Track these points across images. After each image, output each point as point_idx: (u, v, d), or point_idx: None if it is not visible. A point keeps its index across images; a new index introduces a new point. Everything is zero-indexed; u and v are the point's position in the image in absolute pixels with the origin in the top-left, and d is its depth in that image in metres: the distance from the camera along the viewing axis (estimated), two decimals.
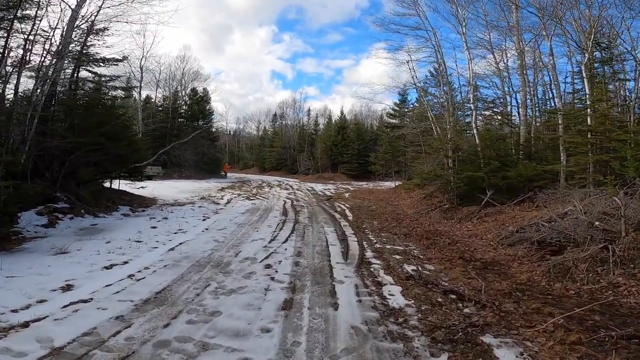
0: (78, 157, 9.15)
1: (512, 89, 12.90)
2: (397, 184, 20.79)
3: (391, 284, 4.55)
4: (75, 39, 9.68)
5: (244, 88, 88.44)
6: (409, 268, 5.29)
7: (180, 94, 31.78)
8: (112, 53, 10.92)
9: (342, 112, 40.49)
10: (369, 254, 6.03)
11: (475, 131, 10.85)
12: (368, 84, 37.48)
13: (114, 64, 11.37)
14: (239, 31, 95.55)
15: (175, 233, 7.11)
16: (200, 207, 11.04)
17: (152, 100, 30.90)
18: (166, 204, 11.65)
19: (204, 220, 8.67)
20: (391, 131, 24.16)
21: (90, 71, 11.00)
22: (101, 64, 10.85)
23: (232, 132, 60.01)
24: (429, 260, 5.89)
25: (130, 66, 29.08)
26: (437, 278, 4.91)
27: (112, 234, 6.82)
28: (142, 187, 12.46)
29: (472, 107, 11.27)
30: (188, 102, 31.98)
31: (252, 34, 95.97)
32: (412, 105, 25.09)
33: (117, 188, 11.92)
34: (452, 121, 12.13)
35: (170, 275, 4.52)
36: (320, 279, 4.59)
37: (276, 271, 4.83)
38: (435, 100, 15.28)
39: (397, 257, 5.93)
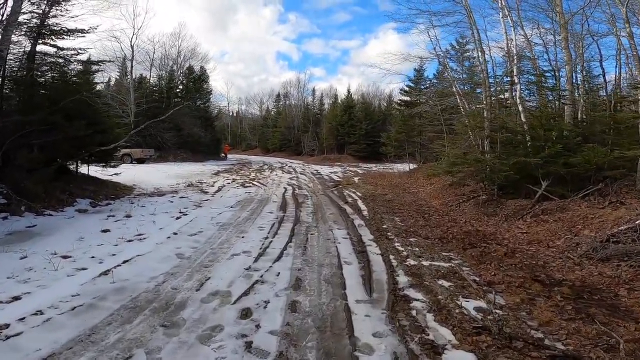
0: (22, 138, 7.23)
1: (556, 63, 10.56)
2: (411, 167, 18.67)
3: (455, 347, 2.65)
4: (27, 9, 7.84)
5: (249, 69, 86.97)
6: (471, 306, 3.37)
7: (177, 73, 29.61)
8: (87, 25, 8.95)
9: (348, 91, 38.10)
10: (402, 278, 4.07)
11: (520, 108, 8.63)
12: (383, 54, 34.58)
13: (80, 36, 9.23)
14: (243, 10, 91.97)
15: (129, 241, 5.20)
16: (182, 197, 9.12)
17: (147, 80, 28.80)
18: (143, 193, 9.75)
19: (177, 218, 6.74)
20: (406, 109, 21.81)
21: (52, 45, 8.94)
22: (65, 36, 8.78)
23: (234, 113, 58.63)
24: (490, 286, 3.98)
25: (120, 43, 27.23)
26: (523, 326, 3.02)
27: (42, 243, 4.93)
28: (115, 174, 10.52)
29: (516, 80, 9.00)
30: (183, 81, 29.79)
31: (257, 14, 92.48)
32: (429, 81, 22.55)
33: (87, 174, 10.02)
34: (488, 96, 9.85)
35: (68, 331, 2.65)
36: (331, 345, 2.65)
37: (257, 326, 2.89)
38: (460, 75, 12.89)
39: (445, 283, 4.00)
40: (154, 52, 27.83)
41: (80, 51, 9.17)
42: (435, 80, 21.00)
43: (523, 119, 8.40)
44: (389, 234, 6.04)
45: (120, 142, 9.50)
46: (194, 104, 29.16)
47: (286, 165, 24.82)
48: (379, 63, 28.96)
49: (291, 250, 4.90)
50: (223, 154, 32.20)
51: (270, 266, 4.28)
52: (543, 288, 4.04)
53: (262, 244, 5.17)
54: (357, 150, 32.70)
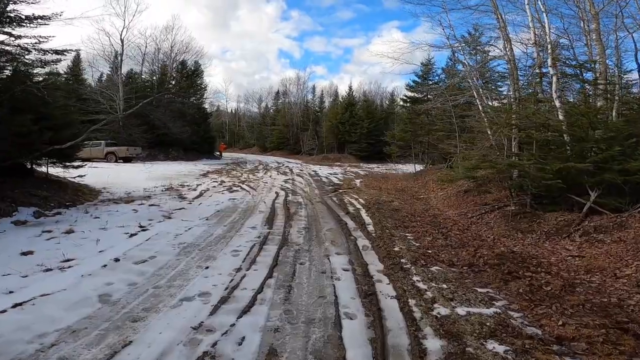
0: None
1: (591, 55, 9.06)
2: (418, 169, 17.24)
3: None
4: None
5: (251, 67, 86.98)
6: None
7: (169, 68, 28.21)
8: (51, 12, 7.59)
9: (350, 88, 36.79)
10: (432, 343, 2.70)
11: (557, 103, 7.17)
12: (390, 41, 32.85)
13: (43, 24, 7.83)
14: (245, 7, 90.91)
15: (47, 270, 3.78)
16: (152, 205, 7.68)
17: (138, 75, 27.44)
18: (109, 199, 8.32)
19: (132, 235, 5.30)
20: (412, 106, 20.40)
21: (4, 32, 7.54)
22: (25, 23, 7.41)
23: (233, 111, 57.84)
24: (563, 344, 2.81)
25: (109, 37, 25.92)
26: None
27: None
28: (80, 176, 9.08)
29: (552, 72, 7.51)
30: (176, 77, 28.36)
31: (260, 10, 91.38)
32: (438, 77, 21.06)
33: (47, 176, 8.59)
34: (517, 89, 8.37)
35: None
36: None
37: None
38: (473, 69, 11.32)
39: (497, 347, 2.63)
40: (145, 47, 26.70)
41: (42, 39, 7.75)
42: (444, 76, 19.53)
43: (561, 117, 6.94)
44: (403, 260, 4.59)
45: (78, 141, 8.03)
46: (186, 100, 27.73)
47: (283, 165, 23.39)
48: (387, 52, 27.34)
49: (269, 293, 3.46)
50: (218, 153, 30.86)
51: (233, 323, 2.85)
52: (637, 343, 2.72)
53: (231, 281, 3.73)
54: (358, 149, 31.37)
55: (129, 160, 19.75)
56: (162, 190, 9.84)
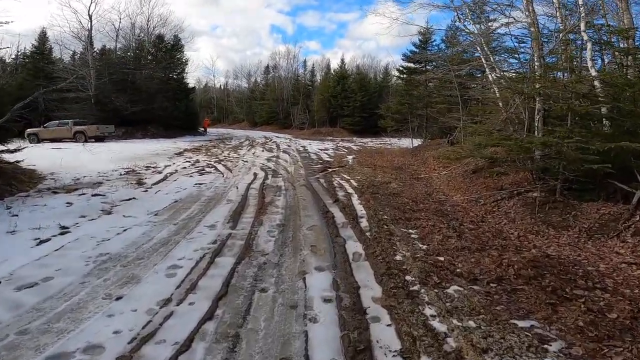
0: None
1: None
2: (416, 144, 15.87)
3: None
4: None
5: (242, 43, 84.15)
6: None
7: (146, 43, 26.07)
8: None
9: (342, 61, 35.03)
10: None
11: (593, 72, 5.72)
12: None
13: None
14: None
15: None
16: (95, 195, 6.26)
17: (112, 51, 25.43)
18: (48, 188, 6.86)
19: (40, 243, 3.90)
20: (408, 77, 18.80)
21: None
22: None
23: (222, 87, 56.30)
24: None
25: (76, 13, 24.05)
26: None
27: None
28: (17, 161, 7.57)
29: (585, 37, 5.99)
30: (152, 51, 26.19)
31: None
32: (436, 48, 19.27)
33: None
34: (540, 56, 6.83)
35: None
36: None
37: None
38: (477, 37, 9.61)
39: None
40: (119, 21, 24.76)
41: None
42: (444, 46, 17.78)
43: (598, 86, 5.49)
44: (408, 278, 3.30)
45: (2, 121, 6.48)
46: (165, 75, 25.72)
47: (270, 140, 21.84)
48: (387, 12, 25.04)
49: (199, 354, 2.16)
50: (202, 129, 29.10)
51: None
52: None
53: (146, 324, 2.43)
54: (351, 123, 29.91)
55: (102, 140, 18.17)
56: (121, 175, 8.38)
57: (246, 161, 11.54)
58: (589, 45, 5.84)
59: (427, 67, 19.49)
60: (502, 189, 6.60)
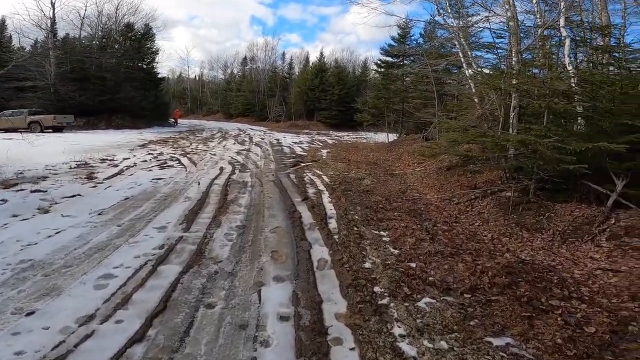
0: None
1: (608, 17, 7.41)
2: (392, 139, 15.72)
3: None
4: None
5: (222, 34, 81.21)
6: None
7: (114, 32, 24.65)
8: None
9: (321, 54, 34.52)
10: None
11: (570, 69, 5.59)
12: None
13: None
14: None
15: None
16: (35, 191, 5.55)
17: (76, 40, 23.93)
18: None
19: None
20: (386, 71, 18.63)
21: None
22: None
23: (197, 77, 55.02)
24: None
25: (37, 1, 22.74)
26: None
27: None
28: None
29: (564, 33, 5.86)
30: (120, 40, 24.78)
31: None
32: (415, 43, 19.14)
33: None
34: (518, 52, 6.67)
35: None
36: None
37: None
38: (456, 32, 9.45)
39: None
40: (85, 9, 23.60)
41: None
42: (422, 41, 17.67)
43: (574, 86, 5.36)
44: (377, 289, 2.98)
45: None
46: (133, 64, 24.46)
47: (244, 132, 21.13)
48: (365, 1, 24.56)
49: None
50: (173, 120, 27.89)
51: None
52: None
53: (56, 347, 1.97)
54: (328, 117, 29.65)
55: (60, 130, 16.95)
56: (71, 168, 7.61)
57: (214, 154, 10.92)
58: (567, 41, 5.72)
59: (405, 61, 19.39)
60: (476, 188, 6.44)
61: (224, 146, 13.49)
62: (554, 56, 6.19)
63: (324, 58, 34.58)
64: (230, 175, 7.43)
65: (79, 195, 5.43)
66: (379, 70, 22.06)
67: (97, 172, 7.21)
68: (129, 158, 9.30)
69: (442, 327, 2.49)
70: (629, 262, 3.70)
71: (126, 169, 7.72)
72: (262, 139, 17.27)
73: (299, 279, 3.11)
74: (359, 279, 3.11)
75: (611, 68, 5.36)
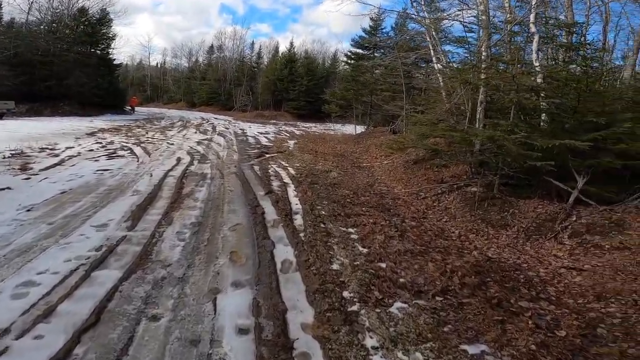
0: None
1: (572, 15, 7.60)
2: (359, 131, 15.63)
3: None
4: None
5: (189, 22, 76.46)
6: None
7: (65, 16, 22.53)
8: None
9: (291, 44, 33.96)
10: None
11: (537, 65, 5.63)
12: None
13: None
14: None
15: None
16: None
17: (23, 24, 21.59)
18: None
19: None
20: (357, 62, 18.52)
21: None
22: None
23: (158, 65, 52.63)
24: None
25: None
26: None
27: None
28: None
29: (533, 29, 5.88)
30: (71, 25, 22.68)
31: None
32: (386, 35, 19.08)
33: None
34: (488, 47, 6.65)
35: None
36: None
37: None
38: (428, 25, 9.41)
39: None
40: None
41: None
42: (393, 34, 17.65)
43: (538, 82, 5.40)
44: (346, 294, 2.73)
45: None
46: (85, 50, 22.59)
47: (207, 121, 20.18)
48: None
49: None
50: (129, 108, 26.16)
51: None
52: None
53: None
54: (296, 107, 29.24)
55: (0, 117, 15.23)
56: (4, 157, 6.69)
57: (172, 144, 10.19)
58: (536, 38, 5.74)
59: (375, 54, 19.32)
60: (443, 182, 6.41)
61: (184, 135, 12.69)
62: (522, 52, 6.25)
63: (294, 48, 34.02)
64: (188, 167, 6.87)
65: (8, 188, 4.71)
66: (349, 62, 21.89)
67: (34, 163, 6.38)
68: (72, 147, 8.38)
69: (416, 335, 2.30)
70: (592, 260, 3.74)
71: (68, 159, 6.90)
72: (227, 128, 16.52)
73: (260, 284, 2.79)
74: (327, 283, 2.85)
75: (574, 66, 5.46)
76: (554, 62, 6.00)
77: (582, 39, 5.80)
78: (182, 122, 18.69)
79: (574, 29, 5.44)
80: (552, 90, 4.82)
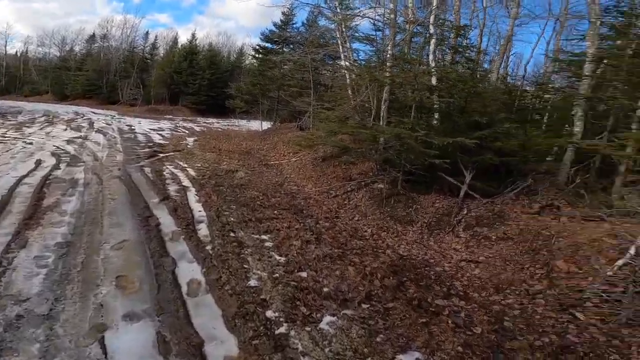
0: None
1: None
2: (266, 127, 15.19)
3: None
4: None
5: (64, 8, 62.37)
6: None
7: None
8: None
9: (193, 36, 31.17)
10: None
11: (432, 65, 6.11)
12: None
13: None
14: None
15: None
16: None
17: None
18: None
19: None
20: (265, 57, 18.00)
21: None
22: None
23: (18, 53, 43.71)
24: None
25: None
26: None
27: None
28: None
29: (432, 30, 6.37)
30: None
31: None
32: (296, 30, 18.86)
33: None
34: (394, 45, 6.96)
35: None
36: None
37: None
38: (337, 21, 9.63)
39: None
40: None
41: None
42: (304, 29, 17.58)
43: (434, 82, 5.86)
44: (270, 314, 2.39)
45: None
46: None
47: (82, 117, 17.02)
48: None
49: None
50: None
51: None
52: None
53: None
54: (195, 102, 27.13)
55: None
56: None
57: (30, 143, 8.11)
58: (433, 40, 6.16)
59: (285, 49, 19.01)
60: (351, 180, 6.51)
61: (48, 133, 10.33)
62: (421, 52, 6.70)
63: (196, 40, 31.36)
64: (51, 171, 5.47)
65: None
66: (257, 55, 21.13)
67: None
68: None
69: (353, 352, 2.11)
70: (484, 252, 4.14)
71: None
72: (109, 124, 14.17)
73: (163, 313, 2.23)
74: (247, 304, 2.45)
75: (461, 67, 6.08)
76: (442, 63, 6.62)
77: (466, 41, 6.51)
78: (47, 118, 15.31)
79: (462, 32, 6.05)
80: (445, 90, 5.25)
